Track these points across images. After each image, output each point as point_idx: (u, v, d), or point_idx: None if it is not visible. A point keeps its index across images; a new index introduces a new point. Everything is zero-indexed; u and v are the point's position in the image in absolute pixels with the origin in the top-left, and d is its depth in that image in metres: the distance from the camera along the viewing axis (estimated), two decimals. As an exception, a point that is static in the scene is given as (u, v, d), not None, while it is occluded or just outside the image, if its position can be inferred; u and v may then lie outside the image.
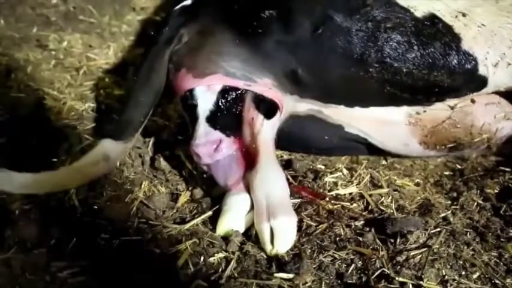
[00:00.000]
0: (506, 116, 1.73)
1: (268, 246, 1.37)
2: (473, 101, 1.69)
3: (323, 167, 1.79)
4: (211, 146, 1.51)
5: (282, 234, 1.38)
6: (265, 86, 1.59)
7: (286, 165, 1.75)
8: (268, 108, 1.58)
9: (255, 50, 1.57)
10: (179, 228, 1.44)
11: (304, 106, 1.69)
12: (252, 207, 1.48)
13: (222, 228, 1.45)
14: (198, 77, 1.58)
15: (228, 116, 1.56)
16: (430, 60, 1.52)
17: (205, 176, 1.62)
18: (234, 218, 1.47)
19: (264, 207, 1.42)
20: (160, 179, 1.67)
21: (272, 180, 1.46)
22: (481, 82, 1.59)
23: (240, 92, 1.57)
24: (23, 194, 1.52)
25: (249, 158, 1.54)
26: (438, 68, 1.53)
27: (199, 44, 1.62)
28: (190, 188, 1.65)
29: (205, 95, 1.57)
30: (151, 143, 1.86)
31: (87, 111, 2.04)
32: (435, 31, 1.53)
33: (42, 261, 1.30)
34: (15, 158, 1.69)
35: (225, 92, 1.56)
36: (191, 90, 1.59)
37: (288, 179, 1.58)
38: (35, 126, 1.88)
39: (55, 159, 1.69)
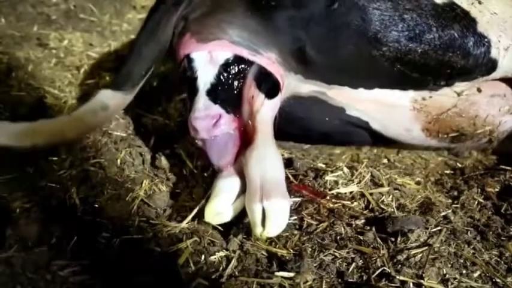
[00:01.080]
0: (510, 110, 1.74)
1: (258, 228, 1.32)
2: (479, 90, 1.70)
3: (324, 166, 1.79)
4: (210, 120, 1.47)
5: (275, 216, 1.32)
6: (269, 59, 1.58)
7: (287, 163, 1.74)
8: (270, 87, 1.54)
9: (266, 23, 1.55)
10: (180, 227, 1.44)
11: (308, 87, 1.68)
12: (243, 192, 1.43)
13: (211, 213, 1.40)
14: (202, 42, 1.55)
15: (229, 91, 1.53)
16: (447, 41, 1.53)
17: (205, 174, 1.62)
18: (223, 202, 1.42)
19: (258, 187, 1.35)
20: (161, 178, 1.66)
21: (268, 160, 1.41)
22: (491, 65, 1.61)
23: (242, 66, 1.54)
24: (24, 193, 1.52)
25: (246, 137, 1.50)
26: (454, 48, 1.54)
27: (208, 10, 1.60)
28: (190, 187, 1.65)
29: (207, 67, 1.53)
30: (152, 141, 1.86)
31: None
32: (454, 15, 1.56)
33: (43, 260, 1.30)
34: (15, 156, 1.69)
35: (227, 65, 1.53)
36: (190, 61, 1.55)
37: (288, 178, 1.58)
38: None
39: (55, 158, 1.69)
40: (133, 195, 1.54)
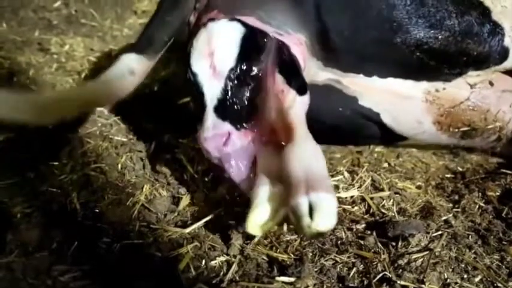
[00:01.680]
0: None
1: (306, 219, 1.16)
2: (491, 84, 1.72)
3: (324, 170, 1.79)
4: (219, 139, 1.44)
5: (325, 209, 1.18)
6: (298, 40, 1.57)
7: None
8: (300, 84, 1.48)
9: (295, 4, 1.56)
10: (180, 232, 1.44)
11: (324, 75, 1.68)
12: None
13: (254, 225, 1.27)
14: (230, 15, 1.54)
15: (239, 103, 1.48)
16: (466, 28, 1.56)
17: (206, 179, 1.62)
18: (266, 212, 1.29)
19: (302, 180, 1.24)
20: (161, 183, 1.67)
21: (311, 154, 1.32)
22: (504, 54, 1.63)
23: (252, 73, 1.49)
24: (24, 198, 1.52)
25: (279, 137, 1.45)
26: (472, 35, 1.57)
27: None
28: (191, 192, 1.65)
29: (211, 82, 1.49)
30: (152, 146, 1.86)
31: (89, 115, 2.04)
32: (470, 2, 1.58)
33: (44, 265, 1.30)
34: (17, 161, 1.70)
35: (232, 75, 1.48)
36: (194, 76, 1.50)
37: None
38: (36, 129, 1.88)
39: (56, 163, 1.69)
40: (134, 200, 1.55)
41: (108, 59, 2.62)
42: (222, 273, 1.31)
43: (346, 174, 1.73)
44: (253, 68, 1.50)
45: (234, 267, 1.32)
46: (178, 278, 1.27)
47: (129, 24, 3.10)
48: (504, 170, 1.79)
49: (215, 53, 1.48)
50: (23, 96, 1.41)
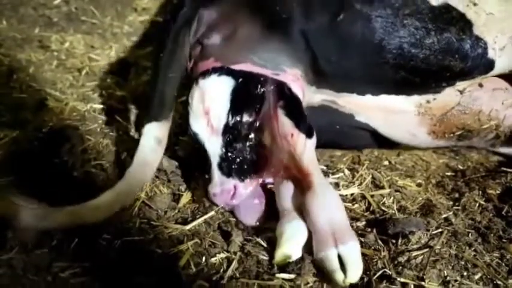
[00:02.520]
0: None
1: (339, 274, 1.26)
2: (480, 85, 1.72)
3: (325, 168, 1.79)
4: (227, 194, 1.51)
5: (355, 260, 1.28)
6: (294, 76, 1.60)
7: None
8: (308, 126, 1.53)
9: (284, 39, 1.58)
10: (181, 229, 1.44)
11: (319, 97, 1.69)
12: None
13: (282, 258, 1.33)
14: (228, 64, 1.58)
15: (240, 156, 1.53)
16: (446, 45, 1.55)
17: (207, 176, 1.62)
18: (294, 247, 1.35)
19: (329, 233, 1.32)
20: (162, 180, 1.66)
21: (333, 204, 1.38)
22: (488, 65, 1.63)
23: (248, 123, 1.53)
24: (24, 195, 1.52)
25: (293, 180, 1.50)
26: (452, 52, 1.56)
27: (226, 35, 1.62)
28: (191, 189, 1.65)
29: (211, 139, 1.54)
30: (153, 143, 1.86)
31: (89, 112, 2.04)
32: (450, 17, 1.57)
33: (44, 261, 1.30)
34: (17, 159, 1.70)
35: (228, 130, 1.52)
36: (195, 135, 1.56)
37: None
38: (37, 127, 1.88)
39: (57, 160, 1.69)
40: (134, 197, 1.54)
41: (108, 56, 2.62)
42: (222, 269, 1.31)
43: (347, 172, 1.74)
44: (249, 118, 1.53)
45: (234, 264, 1.32)
46: (179, 275, 1.27)
47: (129, 21, 3.09)
48: (504, 169, 1.79)
49: (210, 111, 1.53)
50: (68, 209, 1.42)
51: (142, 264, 1.29)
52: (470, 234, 1.46)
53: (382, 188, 1.66)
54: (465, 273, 1.31)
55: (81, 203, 1.45)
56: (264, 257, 1.37)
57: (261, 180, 1.57)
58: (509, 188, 1.66)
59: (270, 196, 1.56)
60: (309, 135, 1.51)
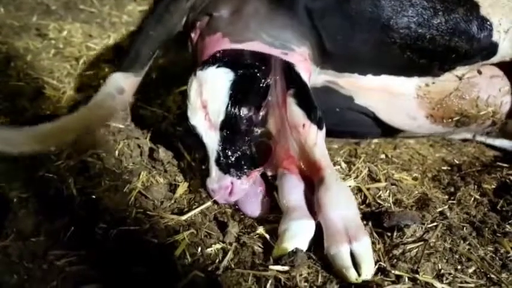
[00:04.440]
0: (510, 91, 1.78)
1: (352, 272, 1.22)
2: (479, 72, 1.74)
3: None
4: (224, 190, 1.49)
5: (368, 256, 1.26)
6: (302, 56, 1.59)
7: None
8: (319, 117, 1.49)
9: (290, 15, 1.57)
10: (177, 219, 1.44)
11: (321, 78, 1.69)
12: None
13: (282, 253, 1.29)
14: (235, 43, 1.56)
15: (237, 152, 1.51)
16: (453, 26, 1.56)
17: (203, 167, 1.62)
18: (297, 245, 1.30)
19: (342, 229, 1.28)
20: (158, 170, 1.67)
21: (345, 199, 1.36)
22: (492, 49, 1.64)
23: (247, 117, 1.50)
24: (21, 184, 1.52)
25: (304, 172, 1.48)
26: (459, 33, 1.57)
27: (234, 9, 1.61)
28: (188, 179, 1.65)
29: (208, 134, 1.51)
30: (150, 133, 1.86)
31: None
32: None
33: (40, 249, 1.30)
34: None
35: (226, 126, 1.50)
36: (194, 128, 1.54)
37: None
38: (33, 115, 1.88)
39: (53, 149, 1.68)
40: (130, 187, 1.55)
41: (107, 45, 2.61)
42: (217, 260, 1.31)
43: (343, 165, 1.74)
44: (249, 113, 1.51)
45: (230, 254, 1.32)
46: (174, 265, 1.28)
47: (128, 11, 3.08)
48: (500, 163, 1.80)
49: (208, 104, 1.50)
50: (22, 131, 1.47)
51: (138, 254, 1.30)
52: (465, 228, 1.46)
53: (379, 181, 1.67)
54: (459, 267, 1.32)
55: (79, 193, 1.46)
56: (259, 248, 1.37)
57: (260, 173, 1.55)
58: (505, 183, 1.66)
59: (270, 186, 1.56)
60: (320, 127, 1.48)
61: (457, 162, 1.89)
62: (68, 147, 1.69)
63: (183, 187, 1.62)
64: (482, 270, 1.31)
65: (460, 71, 1.71)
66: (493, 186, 1.66)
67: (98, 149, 1.69)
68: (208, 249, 1.34)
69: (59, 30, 2.68)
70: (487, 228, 1.45)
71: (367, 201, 1.57)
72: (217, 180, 1.49)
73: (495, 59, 1.67)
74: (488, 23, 1.59)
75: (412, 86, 1.73)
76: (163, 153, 1.72)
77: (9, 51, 2.37)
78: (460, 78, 1.72)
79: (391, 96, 1.74)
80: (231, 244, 1.37)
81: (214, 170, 1.50)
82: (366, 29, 1.55)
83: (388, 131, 1.88)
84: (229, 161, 1.50)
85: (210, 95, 1.50)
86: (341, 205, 1.33)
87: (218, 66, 1.52)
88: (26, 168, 1.64)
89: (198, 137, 1.54)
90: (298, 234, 1.33)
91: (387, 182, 1.66)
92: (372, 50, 1.59)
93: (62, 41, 2.59)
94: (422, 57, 1.60)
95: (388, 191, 1.61)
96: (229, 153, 1.50)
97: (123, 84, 1.63)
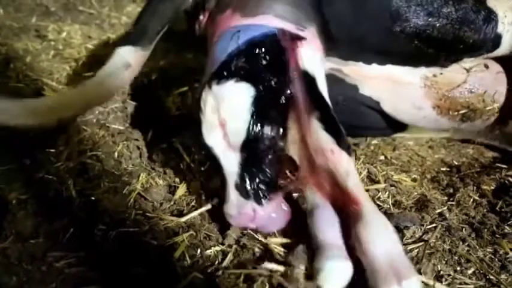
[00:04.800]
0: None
1: None
2: (486, 66, 1.75)
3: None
4: (245, 217, 1.35)
5: None
6: (313, 34, 1.55)
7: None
8: (348, 143, 1.38)
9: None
10: (176, 221, 1.44)
11: (326, 65, 1.66)
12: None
13: None
14: (247, 16, 1.48)
15: (260, 176, 1.36)
16: (463, 15, 1.56)
17: (203, 168, 1.62)
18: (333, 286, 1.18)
19: (388, 269, 1.15)
20: (158, 172, 1.67)
21: (387, 234, 1.22)
22: (497, 41, 1.64)
23: (270, 137, 1.37)
24: (20, 185, 1.52)
25: (335, 201, 1.36)
26: (468, 22, 1.57)
27: None
28: (187, 181, 1.65)
29: (226, 155, 1.37)
30: (149, 135, 1.86)
31: (86, 103, 2.03)
32: None
33: (39, 251, 1.31)
34: (13, 147, 1.69)
35: (247, 147, 1.36)
36: (208, 150, 1.38)
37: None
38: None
39: (52, 150, 1.69)
40: (130, 189, 1.54)
41: (106, 46, 2.61)
42: (217, 262, 1.31)
43: (342, 166, 1.73)
44: (272, 132, 1.37)
45: (230, 256, 1.32)
46: (174, 266, 1.28)
47: (127, 12, 3.08)
48: (499, 164, 1.80)
49: (226, 123, 1.35)
50: (22, 102, 1.44)
51: (137, 256, 1.30)
52: (464, 229, 1.46)
53: (378, 182, 1.67)
54: (458, 268, 1.32)
55: (78, 194, 1.46)
56: (260, 249, 1.37)
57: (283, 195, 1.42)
58: (504, 184, 1.66)
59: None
60: (349, 153, 1.35)
61: (456, 163, 1.90)
62: (66, 148, 1.69)
63: (182, 189, 1.62)
64: (481, 271, 1.31)
65: (467, 63, 1.72)
66: (492, 188, 1.66)
67: (97, 151, 1.69)
68: (208, 251, 1.34)
69: (58, 31, 2.68)
70: (486, 230, 1.45)
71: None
72: (237, 207, 1.35)
73: (499, 52, 1.68)
74: (494, 14, 1.60)
75: (419, 76, 1.73)
76: (162, 154, 1.72)
77: (8, 53, 2.38)
78: (468, 71, 1.72)
79: (397, 85, 1.73)
80: (230, 246, 1.37)
81: (232, 195, 1.35)
82: (375, 16, 1.55)
83: (391, 125, 1.87)
84: (250, 186, 1.35)
85: (229, 113, 1.35)
86: (384, 242, 1.20)
87: (237, 81, 1.37)
88: (25, 169, 1.64)
89: (213, 159, 1.40)
90: (334, 276, 1.18)
91: (386, 183, 1.66)
92: (380, 38, 1.58)
93: (62, 43, 2.59)
94: (430, 46, 1.60)
95: (387, 193, 1.62)
96: (250, 176, 1.36)
97: (130, 59, 1.59)
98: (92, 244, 1.34)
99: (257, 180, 1.36)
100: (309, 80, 1.44)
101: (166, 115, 2.05)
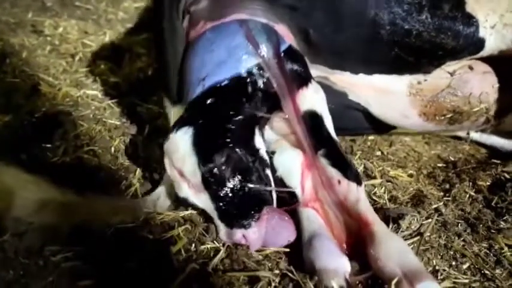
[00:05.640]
0: (502, 87, 1.76)
1: None
2: (471, 68, 1.73)
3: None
4: (238, 241, 1.35)
5: None
6: (284, 31, 1.55)
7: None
8: (356, 172, 1.42)
9: (273, 1, 1.54)
10: (173, 216, 1.44)
11: (313, 72, 1.66)
12: None
13: None
14: (216, 20, 1.51)
15: (236, 201, 1.36)
16: (439, 22, 1.56)
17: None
18: None
19: (403, 277, 1.18)
20: (154, 166, 1.67)
21: (399, 249, 1.26)
22: (479, 44, 1.63)
23: (222, 166, 1.35)
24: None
25: (348, 229, 1.39)
26: (445, 29, 1.57)
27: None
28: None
29: (200, 197, 1.38)
30: (146, 130, 1.86)
31: (82, 98, 2.04)
32: None
33: (36, 245, 1.30)
34: (10, 143, 1.69)
35: (208, 181, 1.35)
36: (183, 201, 1.42)
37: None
38: (30, 112, 1.88)
39: (49, 145, 1.69)
40: (126, 183, 1.55)
41: (103, 42, 2.61)
42: (212, 257, 1.31)
43: (339, 162, 1.74)
44: (222, 158, 1.35)
45: (221, 254, 1.31)
46: (170, 261, 1.28)
47: (124, 7, 3.08)
48: (494, 160, 1.81)
49: (183, 171, 1.38)
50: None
51: (133, 250, 1.30)
52: (459, 224, 1.47)
53: (374, 178, 1.67)
54: (454, 263, 1.33)
55: (73, 188, 1.46)
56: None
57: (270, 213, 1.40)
58: (499, 180, 1.67)
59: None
60: (359, 182, 1.39)
61: (453, 159, 1.90)
62: (63, 143, 1.70)
63: (179, 184, 1.61)
64: (476, 266, 1.32)
65: (450, 67, 1.70)
66: (488, 183, 1.66)
67: (94, 146, 1.69)
68: (203, 246, 1.34)
69: (54, 27, 2.68)
70: (481, 225, 1.46)
71: (364, 197, 1.57)
72: (227, 236, 1.37)
73: (483, 54, 1.67)
74: (474, 19, 1.59)
75: (404, 84, 1.72)
76: (159, 149, 1.72)
77: (4, 48, 2.37)
78: (452, 75, 1.71)
79: (384, 94, 1.73)
80: (224, 244, 1.35)
81: (221, 227, 1.37)
82: (352, 24, 1.55)
83: (382, 128, 1.88)
84: (232, 215, 1.36)
85: (180, 161, 1.38)
86: (397, 256, 1.24)
87: (176, 130, 1.39)
88: (22, 165, 1.64)
89: (193, 206, 1.43)
90: None
91: (383, 178, 1.67)
92: (360, 46, 1.59)
93: (58, 38, 2.58)
94: (410, 54, 1.60)
95: (383, 188, 1.62)
96: (228, 207, 1.36)
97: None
98: (89, 238, 1.34)
99: (235, 208, 1.36)
100: (311, 120, 1.47)
101: (162, 110, 2.05)
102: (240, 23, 1.49)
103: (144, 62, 2.38)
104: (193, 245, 1.34)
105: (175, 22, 1.61)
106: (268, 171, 1.46)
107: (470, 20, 1.59)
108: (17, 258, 1.26)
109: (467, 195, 1.61)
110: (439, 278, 1.26)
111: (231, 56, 1.45)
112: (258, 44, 1.46)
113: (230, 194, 1.36)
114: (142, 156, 1.72)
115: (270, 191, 1.44)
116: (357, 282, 1.21)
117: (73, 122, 1.82)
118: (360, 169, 1.70)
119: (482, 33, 1.61)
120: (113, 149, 1.68)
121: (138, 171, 1.61)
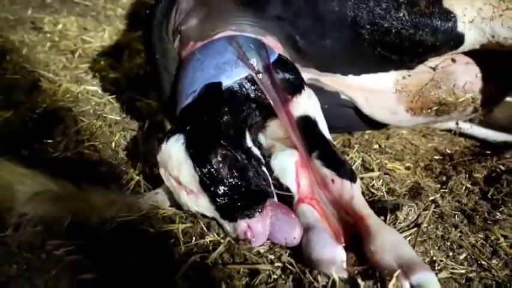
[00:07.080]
0: (488, 76, 1.78)
1: None
2: (453, 60, 1.75)
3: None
4: (244, 235, 1.36)
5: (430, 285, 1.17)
6: (272, 43, 1.58)
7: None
8: (350, 170, 1.44)
9: (259, 16, 1.57)
10: (173, 210, 1.46)
11: (305, 76, 1.68)
12: None
13: None
14: (204, 40, 1.56)
15: (235, 197, 1.38)
16: (416, 19, 1.57)
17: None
18: None
19: (396, 268, 1.19)
20: (155, 161, 1.67)
21: (395, 242, 1.27)
22: (458, 39, 1.64)
23: (217, 166, 1.37)
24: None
25: (345, 225, 1.41)
26: (423, 25, 1.57)
27: (202, 17, 1.61)
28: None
29: (199, 201, 1.39)
30: (146, 125, 1.87)
31: (82, 94, 2.05)
32: None
33: (38, 239, 1.31)
34: (11, 138, 1.70)
35: (207, 185, 1.36)
36: (186, 206, 1.43)
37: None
38: (30, 107, 1.89)
39: (50, 140, 1.70)
40: (127, 178, 1.56)
41: (102, 38, 2.62)
42: (212, 250, 1.32)
43: (337, 155, 1.75)
44: (217, 159, 1.37)
45: (221, 248, 1.32)
46: (171, 254, 1.29)
47: (122, 4, 3.08)
48: (490, 152, 1.82)
49: (180, 179, 1.39)
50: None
51: (134, 243, 1.31)
52: (456, 216, 1.49)
53: (372, 170, 1.69)
54: (450, 254, 1.34)
55: (74, 184, 1.47)
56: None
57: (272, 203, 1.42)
58: (495, 172, 1.68)
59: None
60: (353, 180, 1.41)
61: (449, 151, 1.92)
62: (64, 139, 1.71)
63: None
64: (473, 257, 1.34)
65: (432, 62, 1.72)
66: (484, 175, 1.68)
67: (95, 141, 1.70)
68: (203, 240, 1.35)
69: (54, 23, 2.68)
70: (478, 216, 1.48)
71: (361, 191, 1.58)
72: (233, 231, 1.38)
73: (464, 48, 1.68)
74: (451, 14, 1.59)
75: (391, 81, 1.74)
76: (159, 144, 1.73)
77: (4, 45, 2.38)
78: (434, 69, 1.73)
79: (372, 93, 1.76)
80: (225, 238, 1.37)
81: (226, 224, 1.39)
82: (335, 27, 1.57)
83: (376, 125, 1.90)
84: (232, 208, 1.37)
85: (175, 169, 1.39)
86: (392, 249, 1.25)
87: (167, 140, 1.41)
88: (23, 160, 1.65)
89: (195, 212, 1.43)
90: None
91: (380, 171, 1.69)
92: (345, 48, 1.61)
93: (57, 34, 2.59)
94: (392, 52, 1.62)
95: (381, 181, 1.64)
96: (228, 204, 1.37)
97: None
98: (90, 232, 1.35)
99: (235, 203, 1.37)
100: (304, 125, 1.50)
101: (162, 105, 2.06)
102: (229, 39, 1.53)
103: (143, 58, 2.38)
104: (194, 238, 1.35)
105: (167, 44, 1.66)
106: (264, 169, 1.49)
107: (448, 15, 1.59)
108: (19, 253, 1.27)
109: (464, 187, 1.63)
110: (436, 268, 1.27)
111: (221, 72, 1.48)
112: (248, 59, 1.49)
113: (230, 192, 1.37)
114: (142, 151, 1.73)
115: (270, 185, 1.46)
116: (356, 272, 1.23)
117: (73, 117, 1.83)
118: (358, 162, 1.71)
119: (460, 28, 1.61)
120: (113, 144, 1.69)
121: (139, 165, 1.62)
